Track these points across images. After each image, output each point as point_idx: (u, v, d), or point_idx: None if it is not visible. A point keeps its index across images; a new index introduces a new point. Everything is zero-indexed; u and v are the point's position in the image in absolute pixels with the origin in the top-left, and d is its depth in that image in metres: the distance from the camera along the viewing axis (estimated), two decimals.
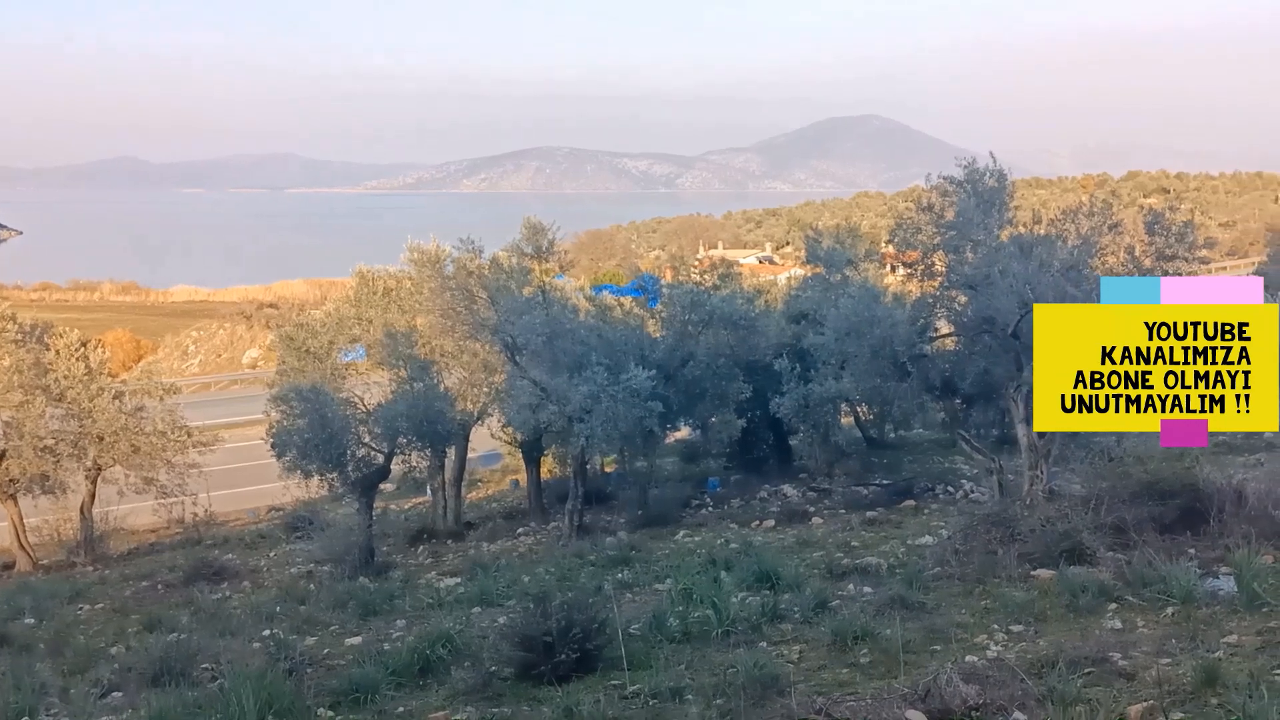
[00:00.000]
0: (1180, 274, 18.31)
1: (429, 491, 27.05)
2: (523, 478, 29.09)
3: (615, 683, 9.75)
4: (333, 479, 21.09)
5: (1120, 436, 22.68)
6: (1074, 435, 21.26)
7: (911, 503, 21.50)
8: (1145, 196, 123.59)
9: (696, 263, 37.84)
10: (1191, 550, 12.52)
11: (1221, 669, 7.15)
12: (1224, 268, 53.18)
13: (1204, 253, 19.61)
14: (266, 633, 13.92)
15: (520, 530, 23.87)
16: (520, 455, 27.43)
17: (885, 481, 24.35)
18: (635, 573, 16.60)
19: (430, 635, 11.89)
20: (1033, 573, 12.65)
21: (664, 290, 24.08)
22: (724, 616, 11.53)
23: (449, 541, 23.70)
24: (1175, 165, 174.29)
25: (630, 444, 21.45)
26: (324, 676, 11.32)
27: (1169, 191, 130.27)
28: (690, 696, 8.97)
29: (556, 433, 22.10)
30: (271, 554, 24.61)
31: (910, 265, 19.81)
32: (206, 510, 29.36)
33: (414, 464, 23.49)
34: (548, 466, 28.38)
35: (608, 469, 28.39)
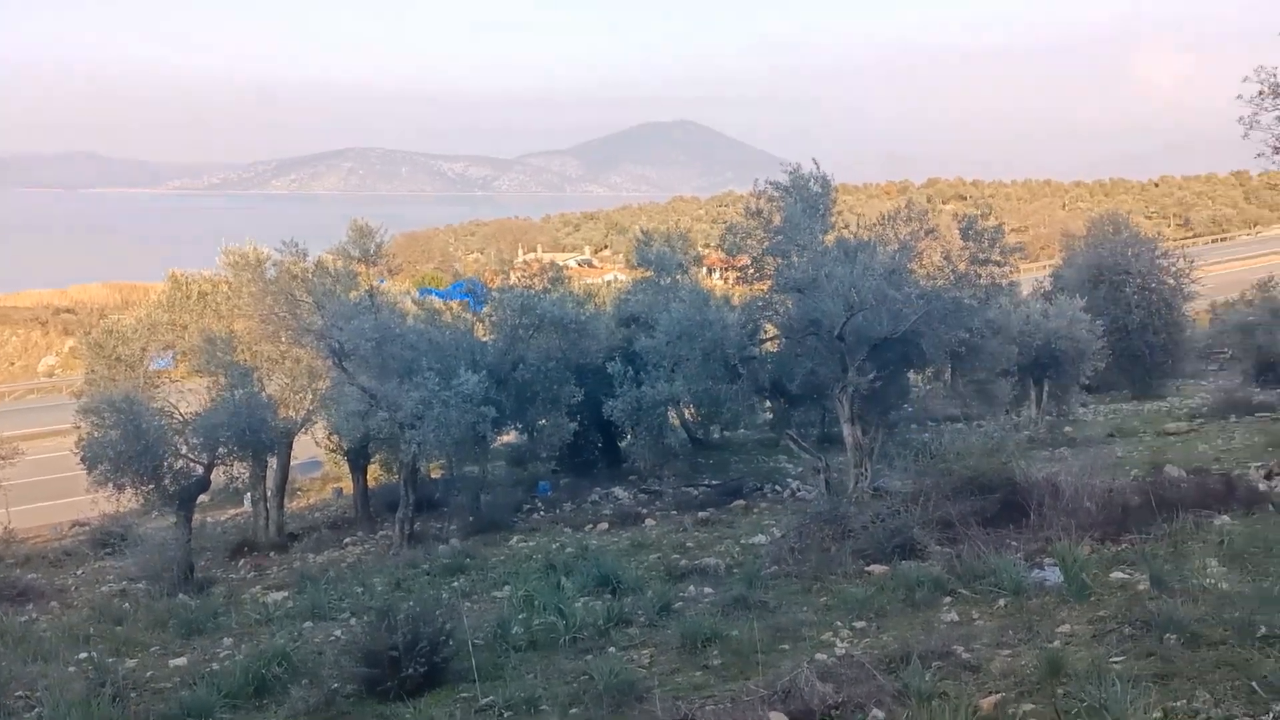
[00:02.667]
0: (993, 275, 19.22)
1: (248, 502, 26.05)
2: (346, 485, 28.32)
3: (466, 695, 9.56)
4: (149, 492, 20.03)
5: (938, 434, 23.74)
6: (893, 432, 22.09)
7: (741, 502, 21.84)
8: (944, 203, 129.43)
9: (523, 265, 37.61)
10: (1014, 543, 13.08)
11: (1063, 658, 7.47)
12: (1019, 271, 55.86)
13: (1011, 257, 20.63)
14: (83, 656, 13.07)
15: (347, 540, 23.22)
16: (344, 463, 26.68)
17: (715, 482, 24.69)
18: (472, 580, 16.36)
19: (263, 653, 11.41)
20: (867, 569, 13.01)
21: (494, 294, 23.83)
22: (570, 623, 11.45)
23: (272, 554, 22.85)
24: (970, 173, 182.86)
25: (462, 449, 21.11)
26: (151, 701, 10.70)
27: (965, 198, 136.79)
28: (546, 706, 8.86)
29: (385, 439, 21.60)
30: (79, 572, 23.20)
31: (740, 269, 20.16)
32: (5, 527, 27.52)
33: (235, 474, 22.56)
34: (374, 474, 27.71)
35: (435, 475, 27.90)
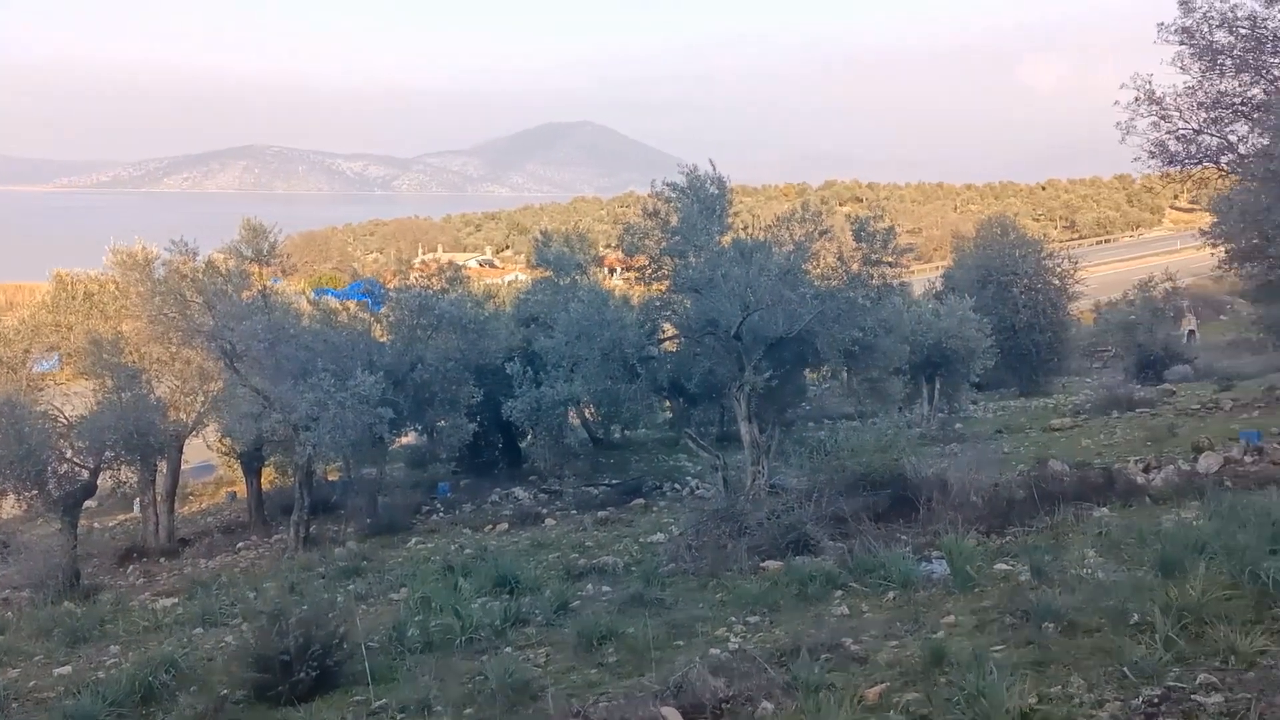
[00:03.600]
0: (885, 276, 19.61)
1: (138, 507, 25.39)
2: (241, 489, 27.78)
3: (359, 699, 9.48)
4: (32, 497, 19.43)
5: (832, 431, 24.14)
6: (790, 430, 22.43)
7: (641, 501, 21.98)
8: (841, 204, 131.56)
9: (421, 265, 37.26)
10: (904, 536, 13.43)
11: (946, 648, 7.69)
12: (913, 271, 57.14)
13: (903, 258, 21.08)
14: None
15: (241, 544, 22.78)
16: (238, 466, 26.17)
17: (614, 481, 24.78)
18: (368, 583, 16.19)
19: (150, 660, 11.15)
20: (762, 564, 13.22)
21: (391, 294, 23.58)
22: (466, 624, 11.42)
23: (162, 559, 22.33)
24: (867, 175, 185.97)
25: (359, 451, 20.88)
26: (33, 711, 10.45)
27: (862, 200, 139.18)
28: (439, 708, 8.82)
29: (279, 442, 21.26)
30: None
31: (639, 270, 20.26)
32: None
33: (123, 479, 21.98)
34: (268, 477, 27.22)
35: (332, 477, 27.53)
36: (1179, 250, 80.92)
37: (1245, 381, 29.64)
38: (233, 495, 30.84)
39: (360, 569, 17.52)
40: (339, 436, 19.04)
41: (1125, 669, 6.78)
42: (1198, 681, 6.45)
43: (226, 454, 26.93)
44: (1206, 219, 21.14)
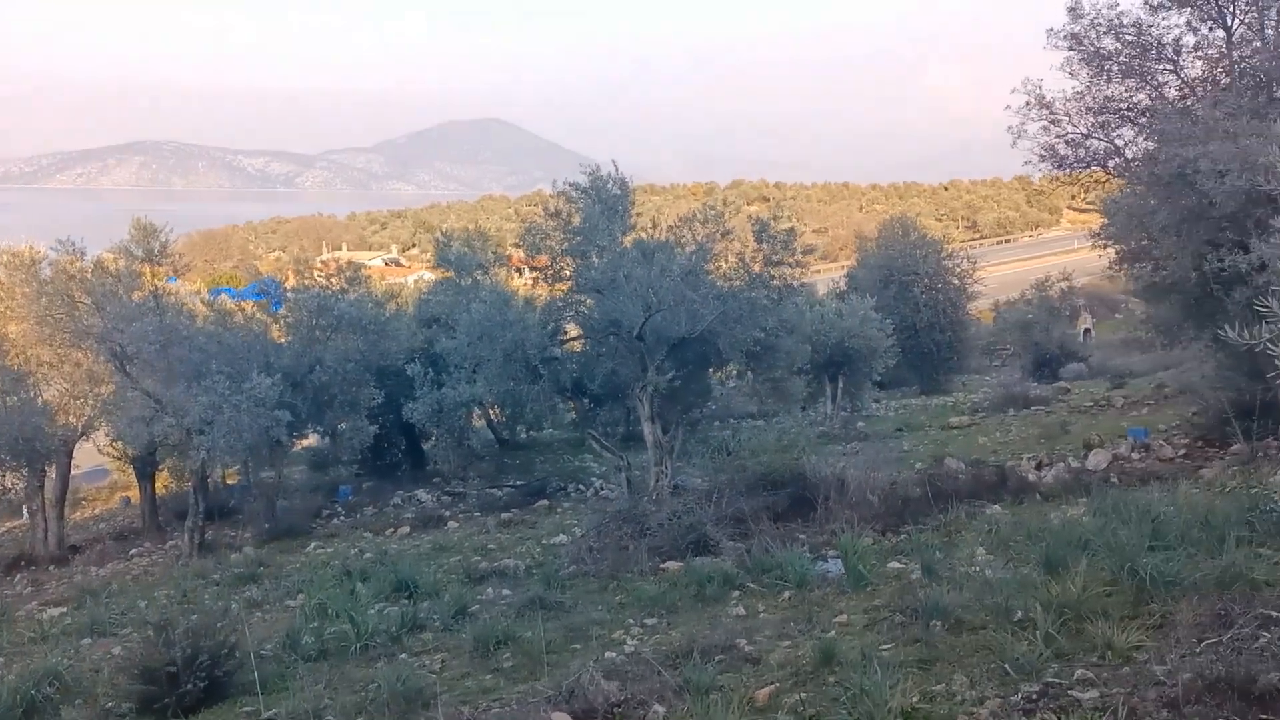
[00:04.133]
0: (786, 277, 19.79)
1: (26, 514, 24.56)
2: (135, 494, 27.03)
3: (249, 709, 9.28)
4: None
5: (735, 431, 24.32)
6: (695, 430, 22.52)
7: (545, 502, 21.91)
8: (748, 204, 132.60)
9: (321, 265, 36.66)
10: (802, 536, 13.56)
11: (836, 648, 7.76)
12: (818, 271, 57.75)
13: (805, 258, 21.32)
14: None
15: (134, 551, 22.15)
16: (132, 471, 25.47)
17: (519, 482, 24.65)
18: (265, 590, 15.87)
19: (33, 673, 10.78)
20: (662, 566, 13.25)
21: (289, 294, 23.14)
22: (362, 630, 11.24)
23: (51, 567, 21.59)
24: (773, 175, 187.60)
25: (256, 455, 20.46)
26: None
27: (769, 200, 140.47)
28: (331, 717, 8.66)
29: (173, 446, 20.72)
30: None
31: (540, 270, 20.18)
32: None
33: (8, 485, 21.26)
34: (163, 481, 26.52)
35: (230, 481, 26.94)
36: (1076, 250, 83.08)
37: (1136, 379, 30.58)
38: (126, 501, 30.01)
39: (256, 575, 17.17)
40: (235, 440, 18.66)
41: (1006, 666, 6.90)
42: (1075, 677, 6.59)
43: (119, 459, 26.16)
44: (1099, 220, 21.72)
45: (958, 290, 39.80)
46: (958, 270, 40.27)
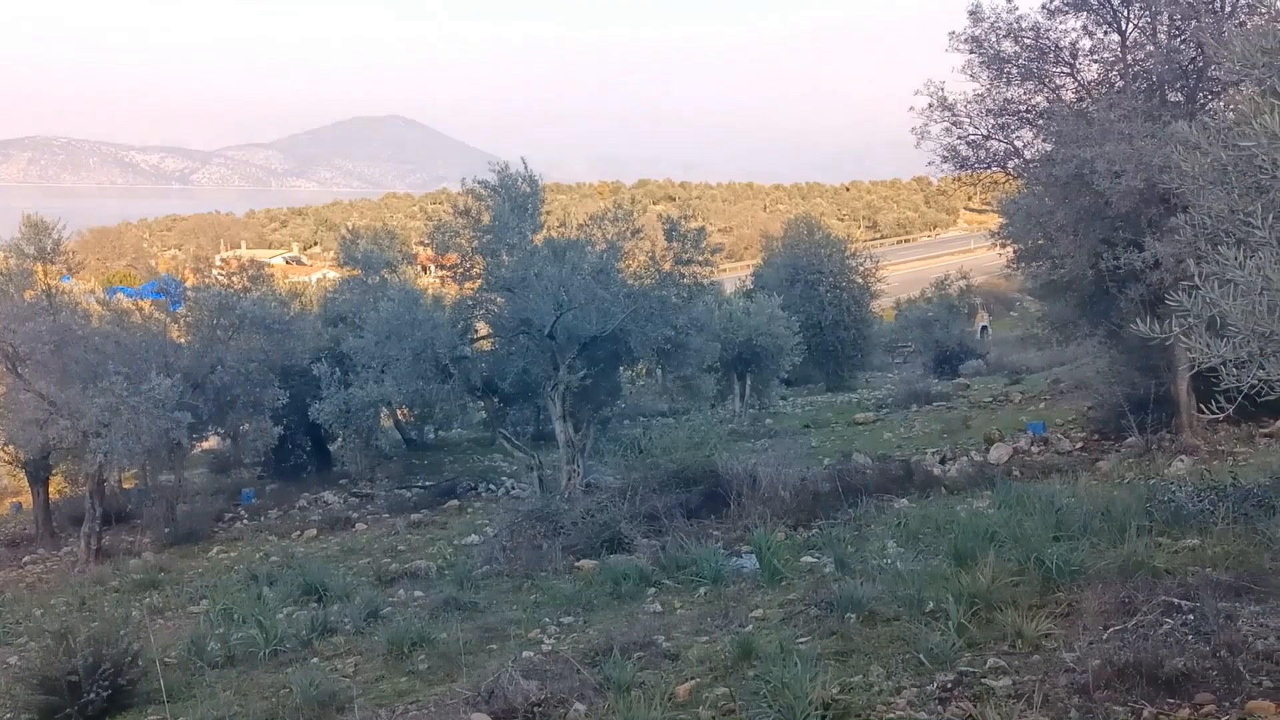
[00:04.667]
0: (696, 275, 19.91)
1: None
2: (26, 500, 26.12)
3: (155, 718, 9.06)
4: None
5: (646, 429, 24.38)
6: (605, 428, 22.53)
7: (455, 503, 21.72)
8: (654, 203, 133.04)
9: (222, 263, 35.85)
10: (716, 533, 13.68)
11: (754, 642, 7.83)
12: (724, 270, 58.13)
13: (714, 257, 21.48)
14: None
15: (27, 558, 21.37)
16: (23, 475, 24.60)
17: (428, 483, 24.39)
18: (166, 596, 15.50)
19: None
20: (577, 564, 13.24)
21: (190, 292, 22.59)
22: (270, 635, 11.02)
23: None
24: (679, 175, 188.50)
25: (155, 458, 19.93)
26: None
27: (675, 199, 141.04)
28: None
29: (68, 449, 20.05)
30: None
31: (449, 268, 20.01)
32: None
33: None
34: (57, 486, 25.69)
35: (127, 485, 26.19)
36: (973, 250, 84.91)
37: (1032, 375, 31.40)
38: (18, 506, 28.99)
39: (157, 581, 16.74)
40: (132, 443, 18.15)
41: (921, 656, 7.04)
42: (988, 665, 6.76)
43: (10, 463, 25.24)
44: (996, 220, 22.23)
45: (861, 289, 40.41)
46: (861, 269, 40.89)
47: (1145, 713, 5.81)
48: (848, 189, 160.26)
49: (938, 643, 7.14)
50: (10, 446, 22.26)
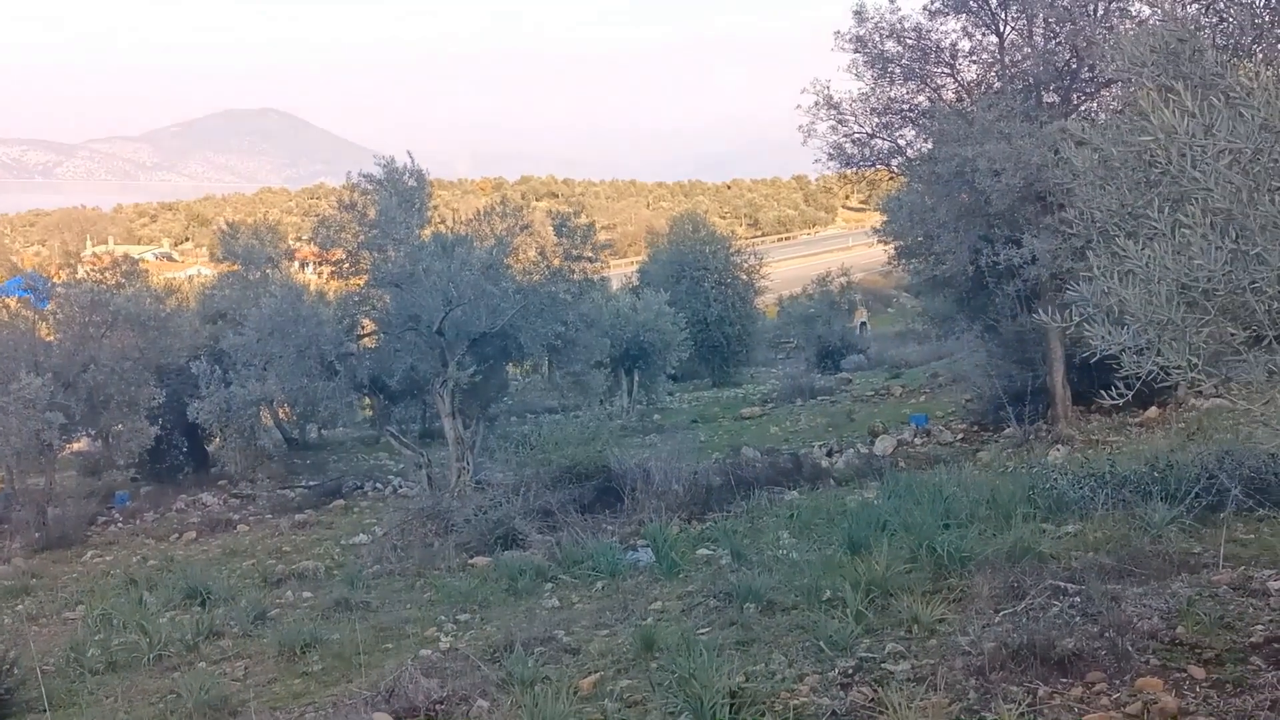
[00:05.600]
0: (586, 271, 19.92)
1: None
2: None
3: None
4: None
5: (536, 425, 24.30)
6: (494, 425, 22.39)
7: (341, 502, 21.31)
8: (538, 199, 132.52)
9: (92, 259, 34.55)
10: (611, 527, 13.69)
11: (655, 634, 7.86)
12: (609, 266, 58.08)
13: (603, 253, 21.53)
14: None
15: None
16: None
17: (312, 483, 23.88)
18: (39, 602, 14.91)
19: None
20: (471, 561, 13.13)
21: (59, 289, 21.73)
22: (154, 639, 10.72)
23: None
24: (561, 172, 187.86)
25: (25, 460, 19.14)
26: None
27: (558, 195, 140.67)
28: None
29: None
30: None
31: (334, 264, 19.65)
32: None
33: None
34: None
35: None
36: (851, 247, 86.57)
37: (912, 369, 32.17)
38: None
39: (29, 587, 16.10)
40: (1, 445, 17.39)
41: (821, 643, 7.16)
42: (887, 651, 6.91)
43: None
44: (877, 218, 22.70)
45: (746, 285, 40.87)
46: (745, 266, 41.35)
47: (1040, 692, 6.00)
48: (729, 187, 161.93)
49: (836, 630, 7.27)
50: None
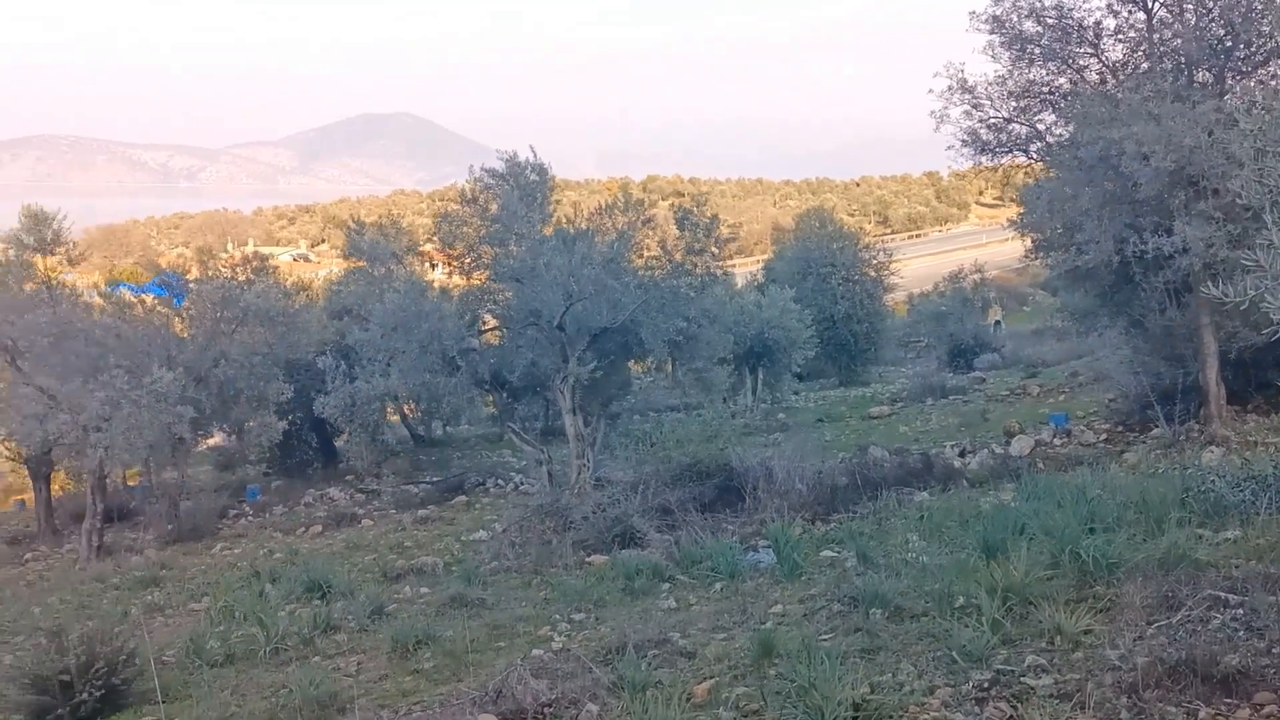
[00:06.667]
0: (709, 265, 19.49)
1: None
2: (29, 497, 25.86)
3: (150, 718, 8.69)
4: None
5: (658, 423, 23.99)
6: (615, 423, 22.14)
7: (463, 498, 21.37)
8: (663, 199, 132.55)
9: (226, 257, 35.51)
10: (731, 526, 13.27)
11: (775, 639, 7.41)
12: (734, 265, 57.69)
13: (727, 246, 21.07)
14: None
15: (28, 555, 21.10)
16: (26, 472, 24.32)
17: (435, 478, 24.04)
18: (167, 593, 15.18)
19: None
20: (588, 559, 12.86)
21: (192, 286, 22.24)
22: (271, 633, 10.66)
23: None
24: (686, 170, 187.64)
25: (158, 453, 19.59)
26: None
27: (683, 195, 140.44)
28: None
29: (70, 445, 19.74)
30: None
31: (456, 260, 19.64)
32: None
33: None
34: (60, 482, 25.40)
35: (131, 482, 25.91)
36: (985, 244, 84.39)
37: (1049, 368, 30.89)
38: (21, 504, 28.75)
39: (159, 579, 16.45)
40: (134, 438, 17.83)
41: (954, 653, 6.62)
42: (1026, 664, 6.32)
43: (12, 459, 24.98)
44: (1012, 213, 21.75)
45: (875, 282, 39.96)
46: (874, 262, 40.43)
47: (1201, 713, 5.40)
48: (858, 184, 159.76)
49: (971, 639, 6.71)
50: (11, 442, 21.97)
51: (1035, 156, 16.99)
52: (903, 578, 8.68)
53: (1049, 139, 16.28)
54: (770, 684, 6.65)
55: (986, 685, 6.14)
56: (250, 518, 22.13)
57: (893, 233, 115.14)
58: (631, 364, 22.82)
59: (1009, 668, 6.31)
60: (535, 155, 19.25)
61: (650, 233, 19.61)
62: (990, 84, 16.23)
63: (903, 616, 7.80)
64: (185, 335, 21.54)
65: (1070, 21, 15.69)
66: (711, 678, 7.06)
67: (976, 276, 46.04)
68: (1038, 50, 15.76)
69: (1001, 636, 6.81)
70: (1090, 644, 6.53)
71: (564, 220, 20.86)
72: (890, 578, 8.71)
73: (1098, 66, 16.00)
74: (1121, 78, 15.22)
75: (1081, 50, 15.91)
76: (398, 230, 28.41)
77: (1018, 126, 16.44)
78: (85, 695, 8.92)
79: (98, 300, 22.16)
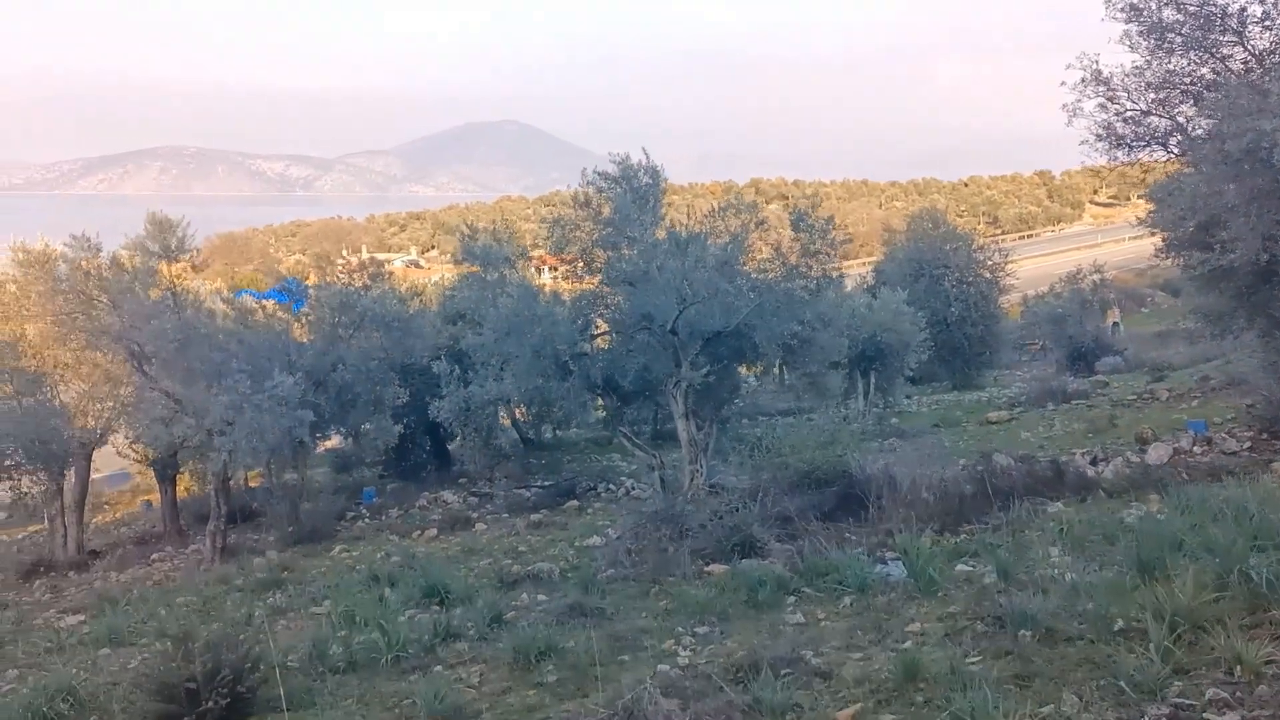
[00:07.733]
0: (824, 268, 19.06)
1: (45, 518, 24.04)
2: (156, 498, 26.52)
3: None
4: None
5: (770, 428, 23.59)
6: (726, 428, 21.80)
7: (575, 503, 21.25)
8: (768, 202, 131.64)
9: (343, 262, 36.06)
10: (854, 536, 12.82)
11: (918, 661, 7.00)
12: (844, 267, 56.89)
13: (843, 247, 20.56)
14: None
15: (155, 556, 21.58)
16: (153, 474, 24.93)
17: (547, 483, 23.99)
18: (289, 596, 15.28)
19: (48, 687, 10.11)
20: (706, 569, 12.50)
21: (310, 291, 22.54)
22: (393, 640, 10.54)
23: (70, 573, 21.05)
24: (790, 173, 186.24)
25: (279, 456, 19.86)
26: None
27: (788, 198, 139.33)
28: None
29: (194, 447, 20.14)
30: None
31: (568, 264, 19.52)
32: None
33: (25, 489, 20.71)
34: (185, 484, 25.98)
35: (253, 484, 26.39)
36: (1099, 244, 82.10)
37: (1176, 372, 29.70)
38: (148, 505, 29.55)
39: (280, 580, 16.60)
40: (256, 441, 18.05)
41: (1122, 683, 6.14)
42: (1207, 697, 5.81)
43: (139, 461, 25.64)
44: (1129, 211, 20.82)
45: (989, 283, 38.97)
46: (989, 263, 39.42)
47: None
48: (966, 184, 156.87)
49: (1139, 668, 6.23)
50: (138, 445, 22.50)
51: (1175, 151, 16.18)
52: (1050, 597, 8.18)
53: (1190, 131, 15.48)
54: (918, 711, 6.27)
55: None
56: (367, 520, 22.32)
57: (1003, 233, 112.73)
58: (742, 368, 22.47)
59: (1188, 700, 5.80)
60: (648, 157, 19.02)
61: (763, 235, 19.26)
62: (1126, 75, 15.49)
63: (1055, 640, 7.31)
64: (305, 340, 21.83)
65: (1213, 8, 14.88)
66: (855, 702, 6.68)
67: (1096, 277, 44.57)
68: (1178, 39, 14.99)
69: (1173, 666, 6.31)
70: (1273, 675, 6.01)
71: (675, 223, 20.65)
72: (1036, 596, 8.23)
73: (1243, 55, 15.14)
74: (1269, 65, 14.38)
75: (1225, 39, 15.09)
76: (510, 235, 28.49)
77: (1156, 119, 15.66)
78: (211, 704, 8.86)
79: (221, 306, 22.60)
